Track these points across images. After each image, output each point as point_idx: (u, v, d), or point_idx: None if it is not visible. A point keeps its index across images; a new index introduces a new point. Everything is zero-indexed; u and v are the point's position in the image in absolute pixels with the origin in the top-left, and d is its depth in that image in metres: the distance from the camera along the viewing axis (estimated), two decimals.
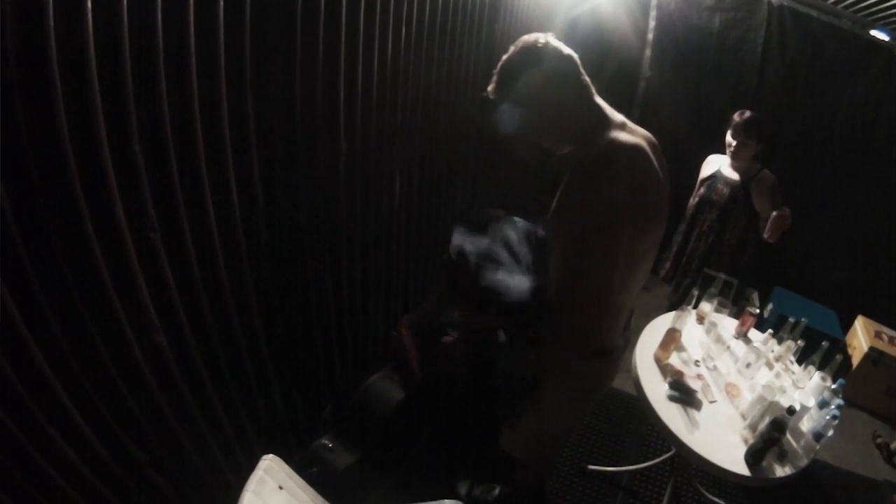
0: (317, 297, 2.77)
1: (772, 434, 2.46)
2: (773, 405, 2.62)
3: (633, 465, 3.70)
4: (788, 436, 2.66)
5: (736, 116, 3.65)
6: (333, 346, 3.06)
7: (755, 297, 4.25)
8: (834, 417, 2.65)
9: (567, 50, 1.87)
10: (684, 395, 2.77)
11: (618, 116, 1.99)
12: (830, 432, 2.66)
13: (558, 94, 1.87)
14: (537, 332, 2.06)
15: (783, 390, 2.82)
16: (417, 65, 3.00)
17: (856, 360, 4.79)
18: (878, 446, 4.48)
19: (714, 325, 3.34)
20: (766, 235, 3.59)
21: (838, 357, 2.94)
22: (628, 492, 3.60)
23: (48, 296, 1.49)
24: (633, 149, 1.93)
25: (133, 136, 1.60)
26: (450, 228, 2.39)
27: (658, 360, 2.96)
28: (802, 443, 2.68)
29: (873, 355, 4.63)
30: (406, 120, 3.02)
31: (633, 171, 1.89)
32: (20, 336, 1.43)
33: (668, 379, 2.82)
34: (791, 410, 2.53)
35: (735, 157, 3.70)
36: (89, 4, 1.36)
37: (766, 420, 2.57)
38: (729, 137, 3.68)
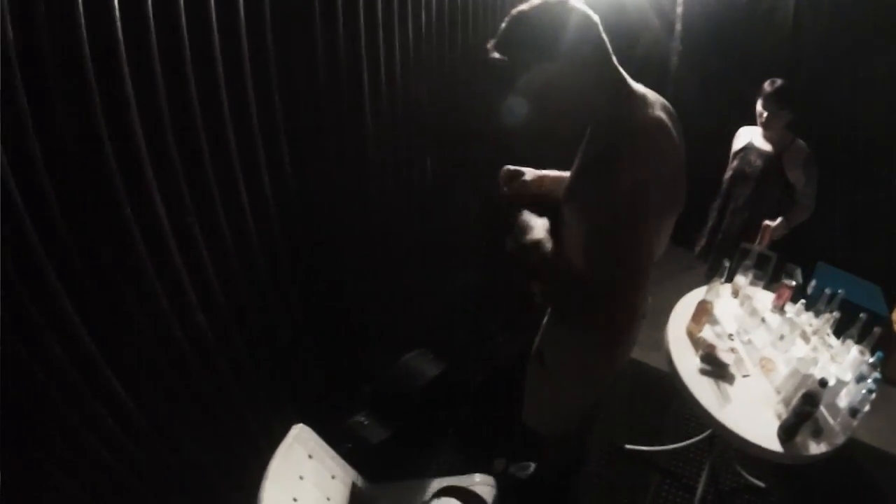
0: (353, 278, 2.85)
1: (804, 408, 2.37)
2: (807, 378, 2.54)
3: (670, 444, 3.64)
4: (824, 411, 2.59)
5: (766, 86, 3.56)
6: (370, 324, 3.14)
7: (798, 273, 4.15)
8: (870, 391, 2.55)
9: (589, 11, 1.64)
10: (716, 368, 2.70)
11: (639, 88, 1.82)
12: (867, 407, 2.56)
13: (578, 57, 1.64)
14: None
15: (817, 363, 2.73)
16: (440, 48, 3.03)
17: None
18: None
19: (748, 297, 3.24)
20: (756, 242, 3.63)
21: (876, 330, 2.84)
22: (665, 472, 3.55)
23: (90, 279, 1.62)
24: (658, 126, 1.79)
25: (166, 127, 1.71)
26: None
27: (690, 334, 2.89)
28: (839, 419, 2.59)
29: None
30: (430, 102, 3.04)
31: (658, 152, 1.77)
32: (65, 321, 1.57)
33: (700, 352, 2.76)
34: (823, 382, 2.43)
35: (767, 126, 3.63)
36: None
37: (800, 394, 2.49)
38: (759, 107, 3.60)
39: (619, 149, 1.68)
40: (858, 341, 2.87)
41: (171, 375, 1.99)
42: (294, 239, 2.39)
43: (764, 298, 3.34)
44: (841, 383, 2.66)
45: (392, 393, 3.27)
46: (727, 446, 3.29)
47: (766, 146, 3.70)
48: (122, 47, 1.49)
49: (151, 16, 1.55)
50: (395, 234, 3.07)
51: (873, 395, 2.56)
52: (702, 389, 2.62)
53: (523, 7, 1.63)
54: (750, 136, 3.81)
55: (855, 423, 2.57)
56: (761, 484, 3.51)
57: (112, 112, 1.52)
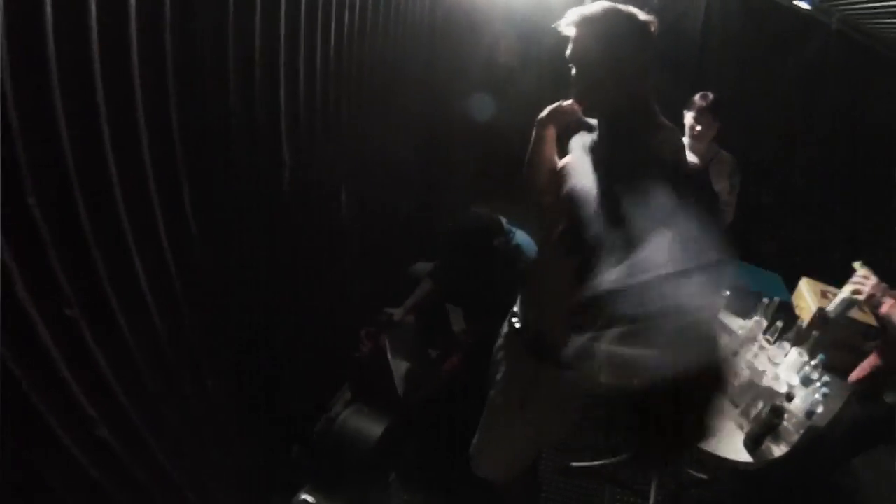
0: (265, 328, 2.59)
1: (772, 420, 2.53)
2: (765, 391, 2.68)
3: (617, 456, 3.72)
4: None
5: (698, 99, 3.61)
6: (288, 380, 2.90)
7: None
8: (824, 395, 2.71)
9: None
10: None
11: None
12: (820, 408, 2.72)
13: (636, 58, 1.89)
14: None
15: (777, 377, 2.87)
16: (360, 64, 2.91)
17: (805, 320, 4.92)
18: None
19: None
20: None
21: (815, 334, 3.03)
22: (617, 482, 3.63)
23: None
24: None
25: (25, 185, 1.27)
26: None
27: None
28: (794, 421, 2.74)
29: (822, 315, 4.77)
30: (350, 124, 2.90)
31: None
32: None
33: None
34: (790, 397, 2.60)
35: (698, 139, 3.67)
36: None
37: (760, 405, 2.63)
38: (691, 120, 3.65)
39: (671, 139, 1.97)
40: (795, 343, 3.05)
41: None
42: (200, 298, 2.05)
43: None
44: (790, 387, 2.82)
45: (336, 462, 3.08)
46: None
47: (693, 158, 3.76)
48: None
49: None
50: (313, 272, 2.89)
51: (825, 398, 2.73)
52: None
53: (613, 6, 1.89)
54: None
55: (809, 422, 2.73)
56: (704, 476, 3.65)
57: None
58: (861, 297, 2.68)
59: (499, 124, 4.71)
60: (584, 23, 1.89)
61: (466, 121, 4.43)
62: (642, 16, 1.88)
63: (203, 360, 2.14)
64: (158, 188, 1.73)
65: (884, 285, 2.64)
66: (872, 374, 2.88)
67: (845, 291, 2.88)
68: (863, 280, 2.68)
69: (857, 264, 2.79)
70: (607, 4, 1.89)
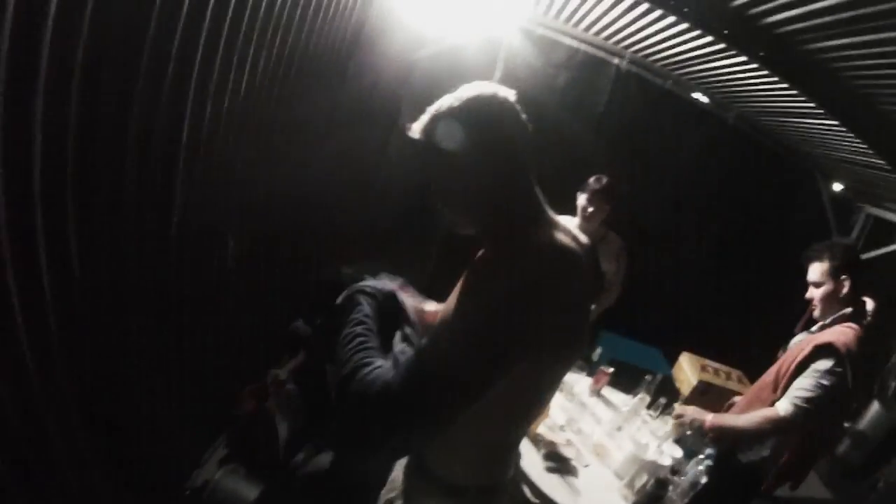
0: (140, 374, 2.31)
1: (657, 492, 2.54)
2: (649, 464, 2.65)
3: None
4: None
5: (593, 182, 3.69)
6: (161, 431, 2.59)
7: None
8: (708, 468, 2.70)
9: (524, 119, 1.56)
10: (560, 463, 2.75)
11: (552, 216, 1.67)
12: (704, 479, 2.70)
13: (496, 165, 1.51)
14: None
15: (661, 451, 2.85)
16: (261, 110, 2.68)
17: (685, 393, 5.02)
18: None
19: (570, 386, 3.37)
20: None
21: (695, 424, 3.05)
22: None
23: None
24: (562, 254, 1.52)
25: None
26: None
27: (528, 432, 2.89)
28: (679, 490, 2.69)
29: (701, 387, 4.87)
30: (241, 168, 2.66)
31: (558, 280, 1.45)
32: None
33: (543, 451, 2.78)
34: (674, 471, 2.58)
35: (589, 220, 3.72)
36: None
37: (644, 477, 2.61)
38: (584, 202, 3.71)
39: (512, 253, 1.45)
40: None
41: None
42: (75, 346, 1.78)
43: (584, 384, 3.50)
44: (675, 459, 2.80)
45: None
46: None
47: (583, 238, 3.73)
48: None
49: None
50: (195, 322, 2.63)
51: (709, 469, 2.71)
52: (552, 488, 2.62)
53: (460, 98, 1.51)
54: None
55: (692, 492, 2.70)
56: None
57: None
58: (687, 425, 3.04)
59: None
60: (428, 131, 1.54)
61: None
62: (501, 95, 1.54)
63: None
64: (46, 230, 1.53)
65: (694, 411, 3.08)
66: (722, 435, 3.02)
67: (672, 428, 3.10)
68: (680, 420, 3.07)
69: (674, 405, 3.23)
70: (454, 106, 1.51)
